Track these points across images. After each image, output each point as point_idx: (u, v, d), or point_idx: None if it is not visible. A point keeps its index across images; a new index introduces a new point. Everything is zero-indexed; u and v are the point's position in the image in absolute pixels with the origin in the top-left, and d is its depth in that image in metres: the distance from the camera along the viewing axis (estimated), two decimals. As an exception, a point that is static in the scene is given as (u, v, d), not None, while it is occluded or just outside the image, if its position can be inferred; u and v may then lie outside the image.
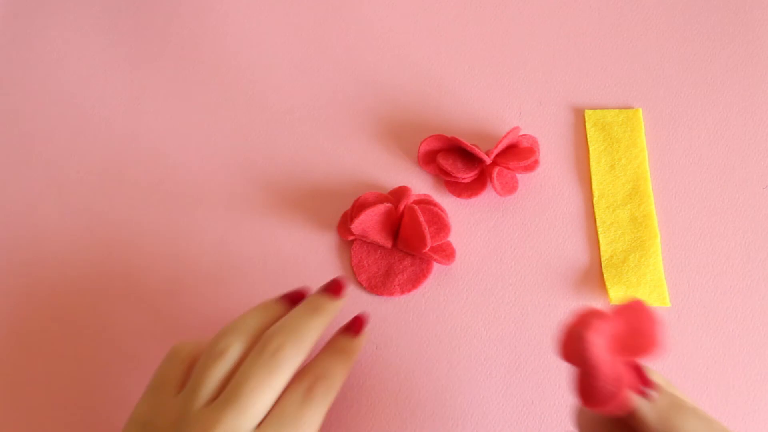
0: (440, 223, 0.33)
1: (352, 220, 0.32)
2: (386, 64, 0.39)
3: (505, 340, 0.33)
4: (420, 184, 0.36)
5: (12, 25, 0.42)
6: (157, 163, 0.38)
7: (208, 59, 0.40)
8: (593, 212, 0.35)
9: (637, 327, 0.20)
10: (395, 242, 0.34)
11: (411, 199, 0.34)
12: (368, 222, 0.33)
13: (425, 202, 0.34)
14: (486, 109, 0.38)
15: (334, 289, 0.28)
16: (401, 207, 0.33)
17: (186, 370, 0.26)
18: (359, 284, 0.34)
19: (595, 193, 0.35)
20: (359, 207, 0.33)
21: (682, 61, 0.38)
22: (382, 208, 0.33)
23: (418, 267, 0.34)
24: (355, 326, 0.28)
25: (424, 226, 0.32)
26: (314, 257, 0.35)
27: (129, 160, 0.38)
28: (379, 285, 0.33)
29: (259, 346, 0.25)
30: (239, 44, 0.41)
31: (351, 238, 0.34)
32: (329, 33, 0.41)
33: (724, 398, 0.31)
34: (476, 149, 0.34)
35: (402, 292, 0.33)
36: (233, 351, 0.25)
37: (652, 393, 0.20)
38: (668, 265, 0.34)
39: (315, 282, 0.29)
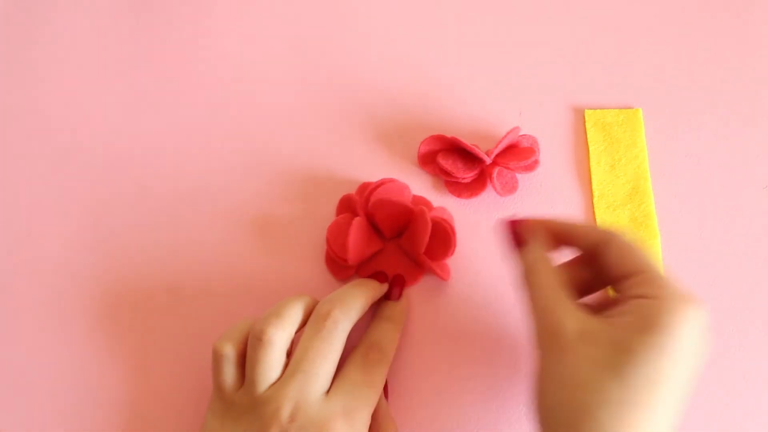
0: (447, 241, 0.32)
1: (344, 255, 0.31)
2: (386, 64, 0.39)
3: (506, 339, 0.33)
4: (420, 185, 0.36)
5: (12, 25, 0.42)
6: (157, 162, 0.38)
7: (207, 60, 0.40)
8: (593, 212, 0.35)
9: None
10: (396, 238, 0.34)
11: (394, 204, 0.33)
12: (359, 244, 0.32)
13: (438, 216, 0.34)
14: (486, 109, 0.38)
15: (378, 277, 0.32)
16: (417, 210, 0.32)
17: (237, 363, 0.27)
18: (356, 275, 0.34)
19: (595, 193, 0.35)
20: (337, 236, 0.32)
21: (682, 61, 0.38)
22: (360, 223, 0.32)
23: (410, 270, 0.34)
24: (394, 292, 0.32)
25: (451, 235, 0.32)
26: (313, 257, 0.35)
27: (128, 159, 0.38)
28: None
29: (312, 317, 0.27)
30: (238, 45, 0.41)
31: (350, 274, 0.33)
32: (328, 33, 0.41)
33: (725, 398, 0.31)
34: (476, 149, 0.34)
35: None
36: (279, 336, 0.26)
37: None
38: (668, 265, 0.34)
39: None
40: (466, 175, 0.34)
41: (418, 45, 0.40)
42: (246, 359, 0.27)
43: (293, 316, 0.27)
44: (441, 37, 0.40)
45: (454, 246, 0.32)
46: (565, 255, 0.28)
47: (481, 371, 0.32)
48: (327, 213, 0.35)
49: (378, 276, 0.32)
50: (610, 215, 0.35)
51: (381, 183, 0.34)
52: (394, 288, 0.32)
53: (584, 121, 0.37)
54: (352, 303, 0.28)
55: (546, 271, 0.26)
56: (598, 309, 0.25)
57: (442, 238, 0.32)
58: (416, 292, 0.34)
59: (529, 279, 0.26)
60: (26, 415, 0.33)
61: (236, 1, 0.42)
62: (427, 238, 0.31)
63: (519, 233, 0.28)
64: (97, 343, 0.34)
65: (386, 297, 0.32)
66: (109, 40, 0.41)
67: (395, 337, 0.30)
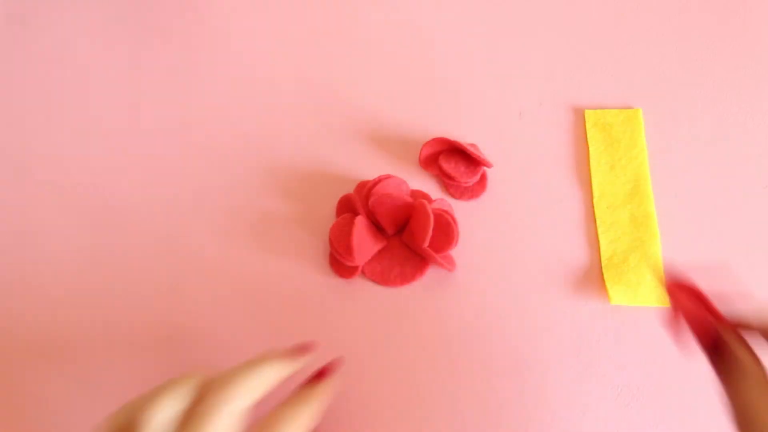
0: (449, 232, 0.33)
1: (349, 255, 0.31)
2: (386, 66, 0.39)
3: (506, 339, 0.33)
4: (421, 186, 0.36)
5: (12, 25, 0.42)
6: (157, 163, 0.38)
7: (208, 60, 0.40)
8: (593, 212, 0.35)
9: None
10: (398, 234, 0.34)
11: (398, 199, 0.33)
12: (363, 243, 0.32)
13: (440, 209, 0.34)
14: (486, 110, 0.38)
15: (302, 349, 0.27)
16: (416, 203, 0.33)
17: None
18: (362, 274, 0.34)
19: (595, 193, 0.35)
20: (340, 237, 0.32)
21: (682, 61, 0.38)
22: (362, 222, 0.32)
23: (415, 264, 0.34)
24: (317, 378, 0.27)
25: (454, 228, 0.32)
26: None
27: (128, 159, 0.38)
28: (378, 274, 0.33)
29: (189, 406, 0.23)
30: (240, 45, 0.41)
31: (356, 273, 0.33)
32: (330, 34, 0.41)
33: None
34: (480, 156, 0.34)
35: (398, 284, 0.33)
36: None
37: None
38: (668, 265, 0.34)
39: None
40: (468, 179, 0.34)
41: (419, 46, 0.40)
42: None
43: (169, 403, 0.23)
44: (441, 39, 0.40)
45: (457, 236, 0.33)
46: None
47: (481, 371, 0.32)
48: (327, 213, 0.35)
49: (318, 373, 0.27)
50: (610, 215, 0.35)
51: (378, 180, 0.34)
52: (319, 375, 0.27)
53: (584, 121, 0.37)
54: (236, 392, 0.23)
55: (751, 377, 0.22)
56: None
57: (444, 229, 0.32)
58: (414, 290, 0.34)
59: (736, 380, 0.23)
60: (26, 423, 0.33)
61: (237, 2, 0.42)
62: (429, 231, 0.31)
63: (706, 331, 0.24)
64: (99, 342, 0.34)
65: (308, 381, 0.27)
66: (110, 42, 0.41)
67: (300, 426, 0.25)
